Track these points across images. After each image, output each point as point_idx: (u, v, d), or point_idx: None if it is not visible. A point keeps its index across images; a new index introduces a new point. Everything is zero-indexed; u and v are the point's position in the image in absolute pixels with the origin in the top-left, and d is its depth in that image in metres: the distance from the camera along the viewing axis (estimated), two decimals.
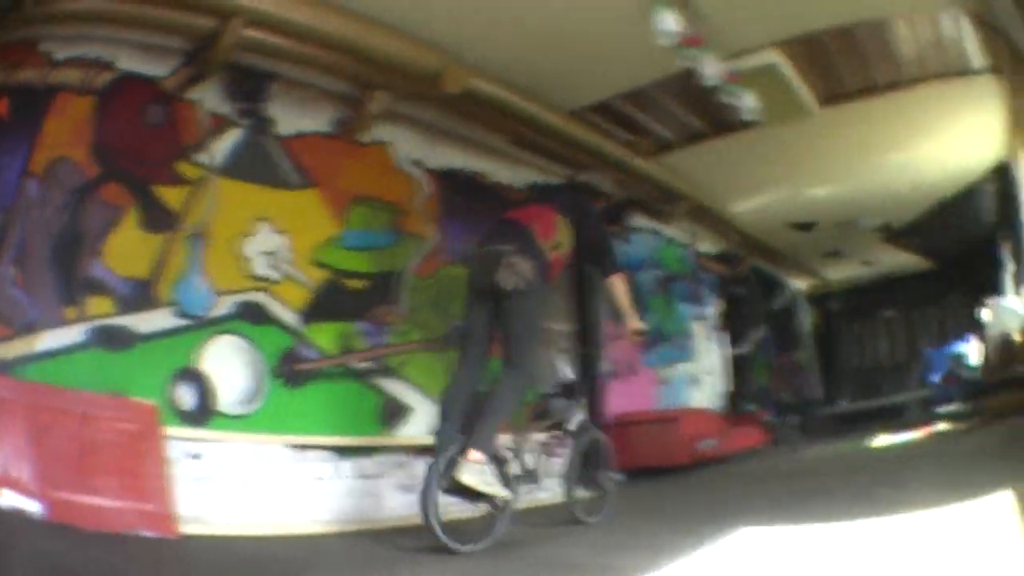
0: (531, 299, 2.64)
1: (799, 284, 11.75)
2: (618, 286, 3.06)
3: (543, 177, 5.21)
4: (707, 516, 2.87)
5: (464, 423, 2.60)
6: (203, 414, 3.04)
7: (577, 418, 3.28)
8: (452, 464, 2.44)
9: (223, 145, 3.33)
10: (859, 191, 7.86)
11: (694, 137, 5.75)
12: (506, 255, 2.59)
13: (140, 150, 3.03)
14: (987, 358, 6.87)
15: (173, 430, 2.83)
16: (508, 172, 5.00)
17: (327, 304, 3.65)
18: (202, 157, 3.24)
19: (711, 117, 5.39)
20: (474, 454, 2.43)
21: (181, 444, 2.86)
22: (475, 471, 2.42)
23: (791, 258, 10.17)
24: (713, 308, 7.83)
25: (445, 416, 2.65)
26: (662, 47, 3.79)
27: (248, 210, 3.37)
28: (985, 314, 7.68)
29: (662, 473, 5.09)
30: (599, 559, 2.24)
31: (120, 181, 2.93)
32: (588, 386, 4.31)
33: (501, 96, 4.24)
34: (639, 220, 6.53)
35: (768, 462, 5.96)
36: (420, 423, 3.93)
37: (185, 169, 3.19)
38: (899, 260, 11.40)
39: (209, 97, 3.31)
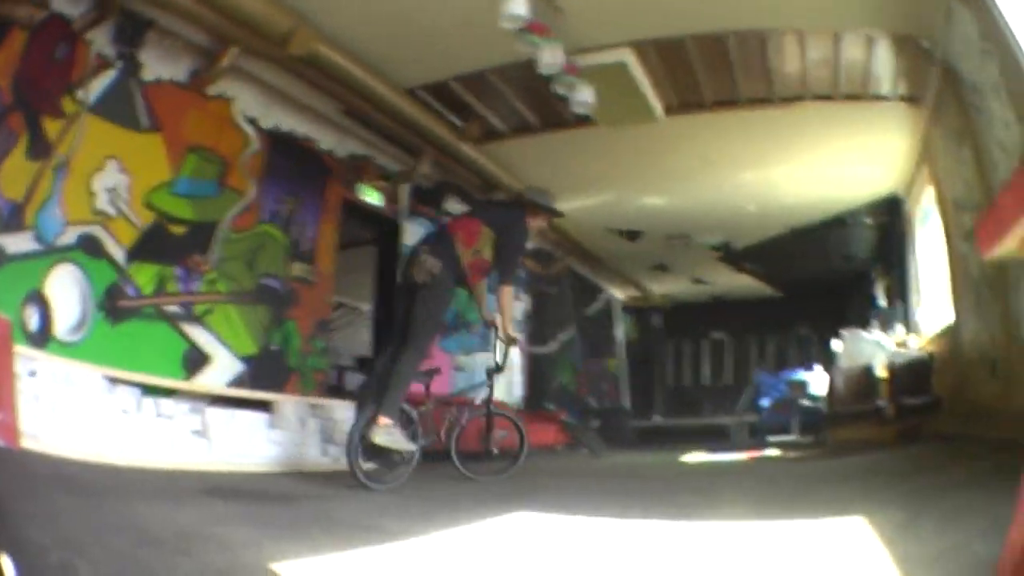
0: (435, 291, 4.64)
1: (618, 293, 15.26)
2: (504, 296, 4.99)
3: (366, 149, 7.31)
4: (487, 499, 3.96)
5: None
6: (42, 337, 4.43)
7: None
8: (368, 426, 4.38)
9: (98, 84, 4.75)
10: (698, 206, 10.45)
11: (525, 128, 7.98)
12: (421, 254, 4.61)
13: (41, 83, 4.31)
14: (834, 389, 8.62)
15: (19, 348, 4.41)
16: (334, 140, 6.97)
17: (150, 245, 5.15)
18: (80, 94, 4.60)
19: (547, 110, 7.57)
20: (383, 419, 4.39)
21: (23, 362, 4.40)
22: (383, 432, 4.38)
23: (613, 266, 13.33)
24: (521, 303, 10.63)
25: (367, 386, 4.76)
26: (507, 32, 5.36)
27: (103, 148, 4.78)
28: (838, 345, 9.62)
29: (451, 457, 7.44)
30: (371, 520, 3.12)
31: (22, 110, 4.21)
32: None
33: (341, 65, 6.02)
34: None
35: (564, 461, 8.11)
36: (218, 373, 5.67)
37: (67, 104, 4.52)
38: (738, 283, 15.23)
39: (99, 39, 4.70)
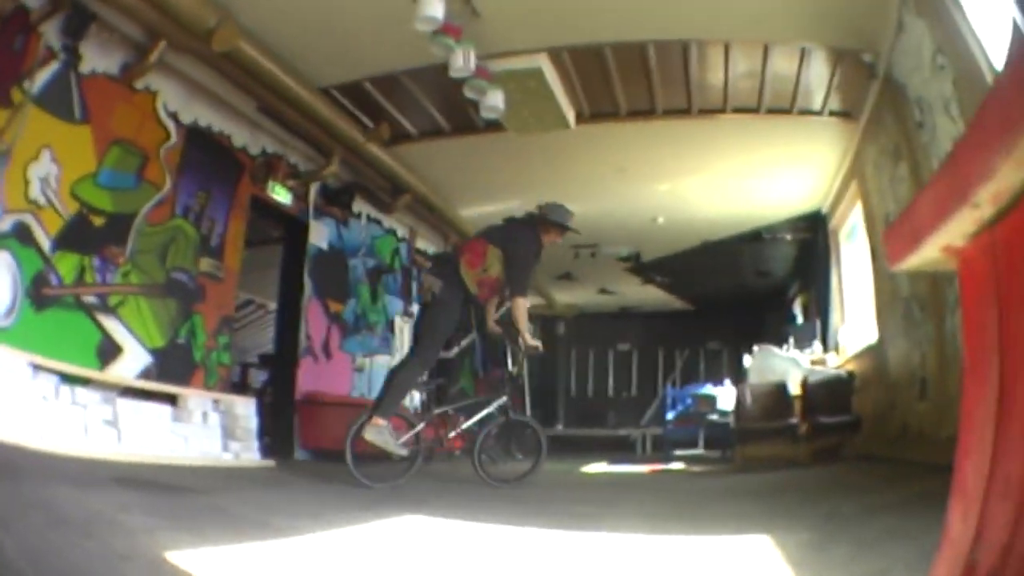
0: (436, 308, 6.20)
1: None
2: (518, 308, 6.24)
3: (279, 147, 8.67)
4: (383, 501, 4.68)
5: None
6: None
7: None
8: (363, 425, 5.89)
9: (42, 76, 5.98)
10: (608, 216, 11.97)
11: (436, 132, 9.47)
12: (427, 275, 6.16)
13: None
14: (743, 405, 9.39)
15: None
16: (248, 137, 8.36)
17: (73, 235, 6.34)
18: (27, 84, 5.83)
19: (458, 115, 8.96)
20: (377, 419, 5.87)
21: None
22: (374, 431, 5.85)
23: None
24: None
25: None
26: (421, 34, 6.29)
27: (40, 138, 5.97)
28: (749, 361, 11.08)
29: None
30: (261, 517, 3.63)
31: None
32: (286, 361, 7.91)
33: (259, 61, 7.36)
34: (363, 206, 10.31)
35: (461, 467, 8.67)
36: (128, 364, 6.91)
37: (15, 94, 5.75)
38: (647, 294, 16.91)
39: (49, 31, 5.95)
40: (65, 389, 6.03)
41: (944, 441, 5.20)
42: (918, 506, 3.60)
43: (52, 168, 6.22)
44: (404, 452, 6.09)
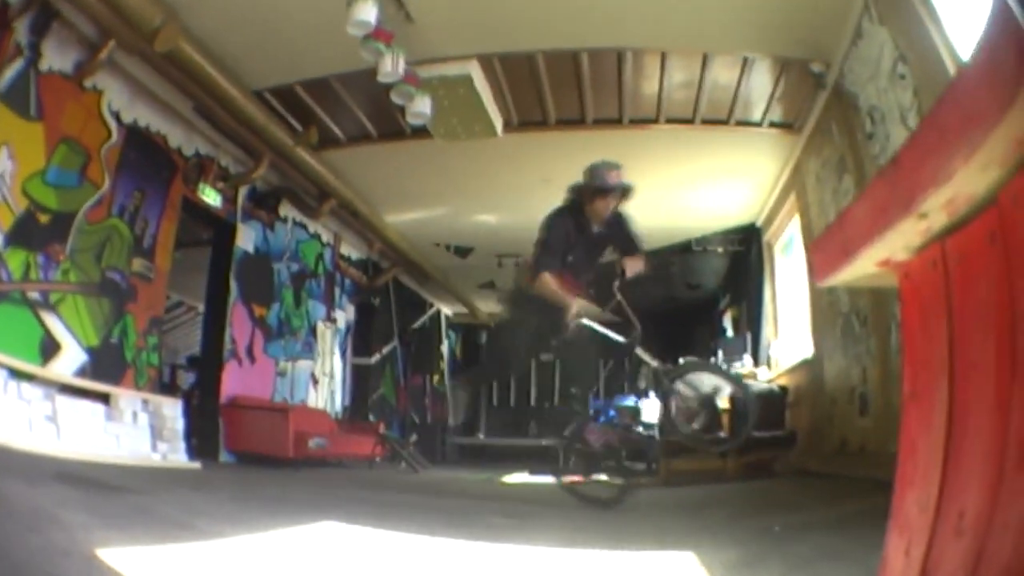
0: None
1: (446, 309, 18.36)
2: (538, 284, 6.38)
3: (211, 149, 9.92)
4: (297, 507, 5.18)
5: None
6: None
7: None
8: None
9: (8, 72, 7.12)
10: (532, 225, 12.17)
11: (363, 137, 10.60)
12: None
13: None
14: (670, 419, 9.82)
15: None
16: (183, 138, 9.65)
17: (22, 232, 7.44)
18: None
19: (386, 120, 10.00)
20: None
21: None
22: None
23: (441, 281, 16.22)
24: (345, 313, 13.39)
25: None
26: (352, 38, 6.94)
27: (2, 134, 7.10)
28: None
29: (271, 462, 9.86)
30: (185, 519, 4.00)
31: None
32: (211, 363, 9.04)
33: (197, 61, 8.48)
34: (289, 210, 11.70)
35: (381, 474, 10.12)
36: (66, 361, 7.99)
37: None
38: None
39: (19, 27, 7.12)
40: (12, 384, 6.91)
41: (888, 456, 5.52)
42: (854, 524, 3.74)
43: (8, 165, 7.30)
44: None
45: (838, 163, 7.94)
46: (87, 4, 7.28)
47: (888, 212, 1.21)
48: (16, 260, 7.43)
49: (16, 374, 6.91)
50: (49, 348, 7.78)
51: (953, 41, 5.27)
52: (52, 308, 7.84)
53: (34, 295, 7.63)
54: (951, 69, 5.14)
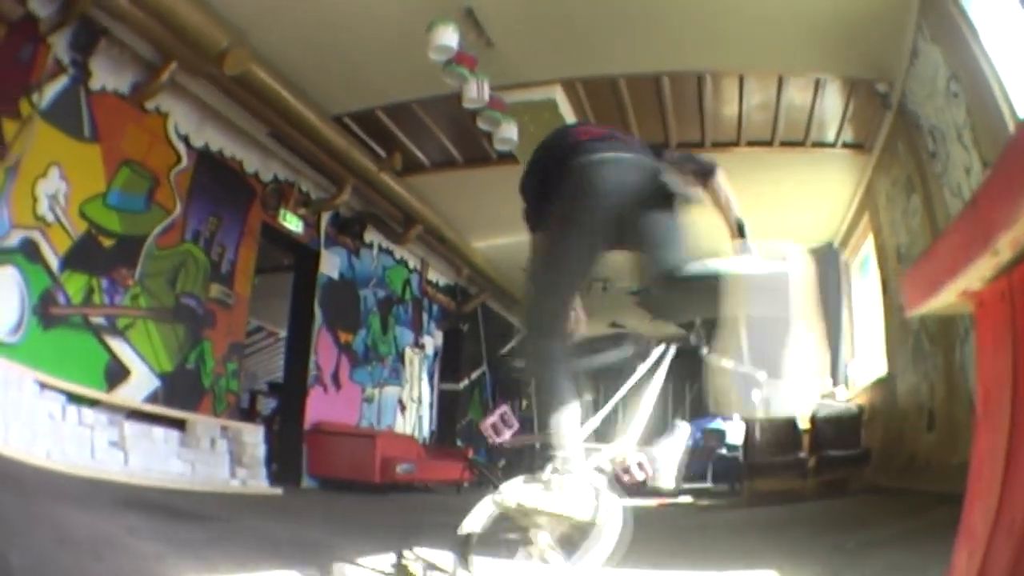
0: None
1: None
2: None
3: (290, 174, 8.60)
4: (384, 533, 4.77)
5: None
6: None
7: None
8: None
9: (51, 89, 5.90)
10: (619, 251, 12.37)
11: (448, 163, 9.41)
12: None
13: (5, 82, 5.49)
14: (752, 439, 9.41)
15: None
16: (260, 163, 8.28)
17: (81, 255, 6.23)
18: (35, 97, 5.75)
19: (471, 145, 8.90)
20: None
21: None
22: None
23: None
24: (433, 339, 11.95)
25: None
26: (435, 63, 6.20)
27: (49, 153, 5.88)
28: (756, 395, 12.27)
29: (356, 487, 8.58)
30: (269, 546, 3.78)
31: None
32: (295, 389, 7.74)
33: (271, 86, 7.29)
34: (375, 236, 10.21)
35: (469, 500, 9.64)
36: (136, 387, 6.74)
37: (24, 106, 5.66)
38: (657, 328, 16.94)
39: (58, 43, 5.88)
40: (72, 409, 5.97)
41: (952, 469, 5.11)
42: (922, 539, 3.52)
43: (61, 185, 6.13)
44: None
45: (906, 183, 7.20)
46: (142, 24, 6.14)
47: (969, 249, 1.18)
48: (76, 284, 6.28)
49: (75, 398, 5.98)
50: (116, 373, 6.61)
51: (996, 60, 4.85)
52: (120, 333, 6.69)
53: (98, 320, 6.49)
54: (996, 88, 4.78)
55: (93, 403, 6.20)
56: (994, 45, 4.87)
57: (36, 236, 5.93)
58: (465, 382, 13.73)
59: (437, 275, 12.75)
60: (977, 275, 1.21)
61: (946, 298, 1.35)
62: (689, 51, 6.95)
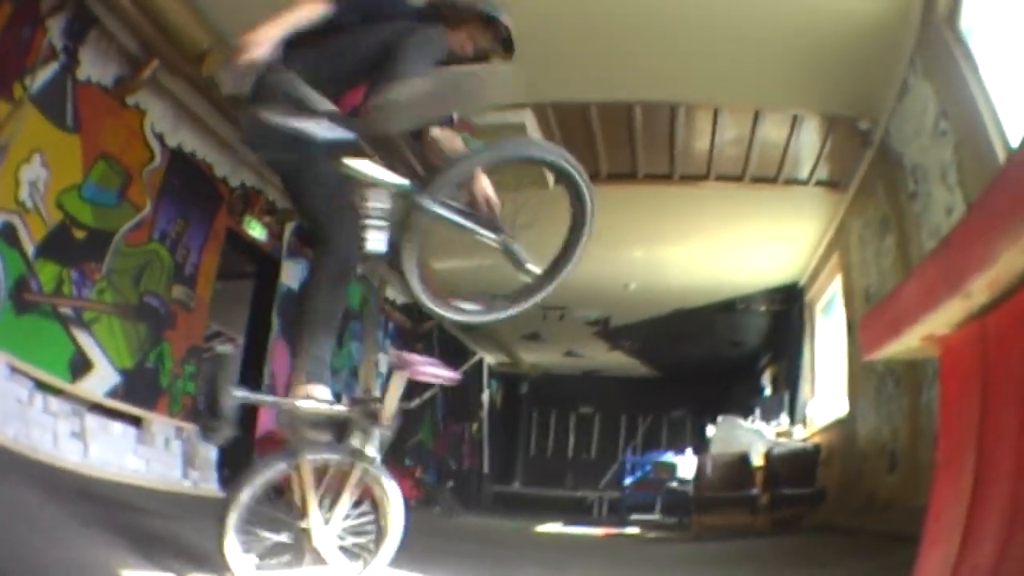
0: None
1: (488, 358, 17.54)
2: None
3: (258, 181, 9.31)
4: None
5: None
6: None
7: None
8: None
9: (43, 74, 6.49)
10: (579, 279, 12.57)
11: None
12: None
13: (5, 62, 6.04)
14: (703, 474, 9.93)
15: None
16: (229, 168, 8.97)
17: (55, 244, 6.77)
18: (28, 80, 6.33)
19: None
20: None
21: None
22: None
23: (485, 330, 15.46)
24: (387, 356, 12.59)
25: None
26: None
27: (33, 139, 6.45)
28: (711, 431, 11.69)
29: None
30: (214, 548, 3.48)
31: None
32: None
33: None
34: None
35: (415, 518, 9.97)
36: (97, 381, 7.25)
37: (16, 89, 6.24)
38: (613, 359, 17.56)
39: (54, 26, 6.48)
40: (38, 396, 6.39)
41: (913, 511, 5.06)
42: None
43: (42, 173, 6.66)
44: None
45: (880, 223, 7.60)
46: (130, 17, 6.74)
47: (937, 291, 1.25)
48: (48, 273, 6.80)
49: (42, 387, 6.41)
50: (80, 365, 7.12)
51: (993, 97, 5.05)
52: (85, 326, 7.20)
53: (66, 311, 7.01)
54: (990, 126, 4.93)
55: (58, 392, 6.64)
56: (992, 80, 5.10)
57: (15, 221, 6.42)
58: (416, 401, 14.18)
59: (395, 293, 13.34)
60: (944, 319, 1.26)
61: (907, 342, 1.43)
62: (665, 81, 7.33)
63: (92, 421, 6.88)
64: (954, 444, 1.36)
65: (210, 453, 8.03)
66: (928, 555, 1.35)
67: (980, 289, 1.11)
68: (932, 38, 5.92)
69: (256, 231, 9.48)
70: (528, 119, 7.88)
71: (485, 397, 18.84)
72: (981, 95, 5.13)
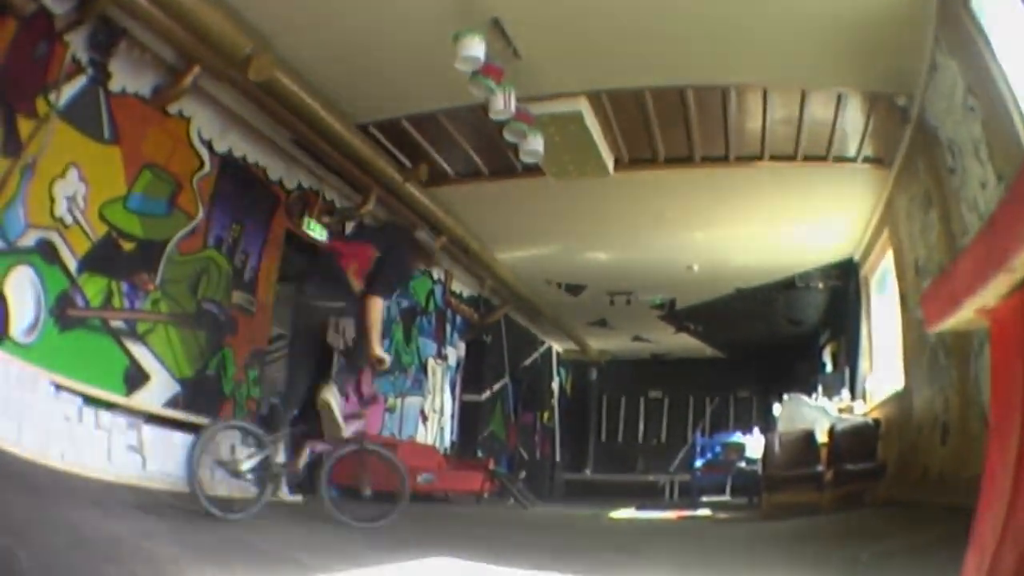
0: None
1: (557, 346, 16.47)
2: (372, 308, 5.22)
3: (314, 182, 8.25)
4: (408, 541, 4.59)
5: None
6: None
7: None
8: None
9: (68, 89, 5.56)
10: (644, 264, 11.77)
11: (473, 174, 9.09)
12: (334, 316, 5.35)
13: (20, 79, 5.13)
14: (771, 453, 9.29)
15: None
16: (284, 170, 7.92)
17: (101, 258, 5.88)
18: (52, 96, 5.41)
19: (496, 157, 8.59)
20: None
21: None
22: None
23: (552, 318, 14.46)
24: (455, 350, 11.55)
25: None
26: (462, 74, 5.98)
27: (66, 154, 5.55)
28: (777, 409, 10.97)
29: (379, 497, 8.19)
30: (289, 553, 3.61)
31: (1, 106, 5.05)
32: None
33: (296, 93, 6.90)
34: None
35: (490, 510, 9.06)
36: (155, 392, 6.38)
37: (40, 105, 5.32)
38: (679, 342, 16.62)
39: (75, 41, 5.54)
40: (88, 411, 5.69)
41: (964, 482, 4.98)
42: (934, 550, 3.44)
43: (80, 187, 5.79)
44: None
45: (924, 197, 6.96)
46: (163, 27, 5.78)
47: (985, 267, 1.18)
48: (95, 287, 5.93)
49: (92, 401, 5.68)
50: (135, 378, 6.26)
51: (1010, 74, 4.63)
52: (139, 338, 6.33)
53: (118, 323, 6.15)
54: (1009, 103, 4.55)
55: (110, 406, 5.87)
56: (1009, 59, 4.66)
57: (53, 237, 5.58)
58: (487, 393, 13.33)
59: (461, 286, 12.34)
60: (993, 292, 1.21)
61: (964, 315, 1.36)
62: (713, 66, 6.69)
63: (150, 433, 6.13)
64: (1004, 409, 1.20)
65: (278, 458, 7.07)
66: (982, 521, 1.19)
67: (1021, 264, 1.04)
68: (950, 15, 5.43)
69: (316, 232, 8.47)
70: (584, 107, 7.17)
71: (555, 385, 17.69)
72: (999, 73, 4.71)
